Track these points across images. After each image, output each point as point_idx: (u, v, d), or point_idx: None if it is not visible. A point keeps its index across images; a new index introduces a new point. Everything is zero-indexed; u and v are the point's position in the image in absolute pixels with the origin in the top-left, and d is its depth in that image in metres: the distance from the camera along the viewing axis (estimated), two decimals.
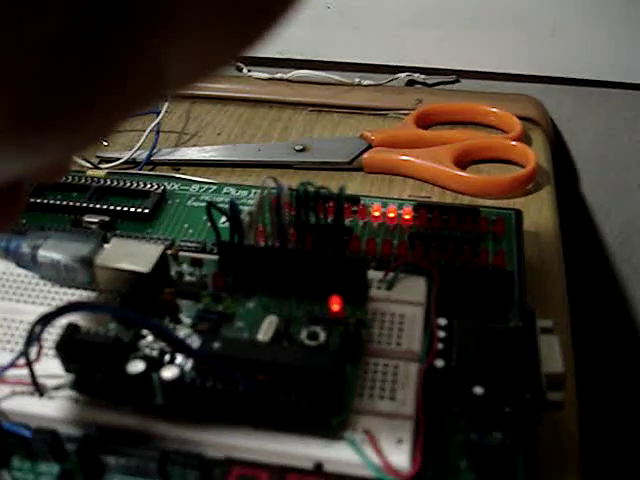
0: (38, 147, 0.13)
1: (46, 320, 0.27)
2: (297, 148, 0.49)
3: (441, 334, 0.31)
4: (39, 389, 0.29)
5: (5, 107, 0.12)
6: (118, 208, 0.40)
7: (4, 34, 0.11)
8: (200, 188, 0.43)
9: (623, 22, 0.54)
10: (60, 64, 0.11)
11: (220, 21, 0.13)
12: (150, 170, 0.48)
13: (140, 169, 0.47)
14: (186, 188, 0.43)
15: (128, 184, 0.42)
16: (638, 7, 0.53)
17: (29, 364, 0.29)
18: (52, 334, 0.30)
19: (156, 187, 0.42)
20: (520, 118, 0.52)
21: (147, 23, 0.12)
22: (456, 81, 0.58)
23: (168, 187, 0.42)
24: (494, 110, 0.52)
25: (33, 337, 0.28)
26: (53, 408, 0.29)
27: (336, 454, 0.27)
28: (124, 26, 0.12)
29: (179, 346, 0.28)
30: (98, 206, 0.40)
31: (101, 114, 0.13)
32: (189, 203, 0.41)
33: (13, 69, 0.11)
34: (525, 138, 0.51)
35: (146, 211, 0.40)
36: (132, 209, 0.40)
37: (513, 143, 0.49)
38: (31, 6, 0.10)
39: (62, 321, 0.28)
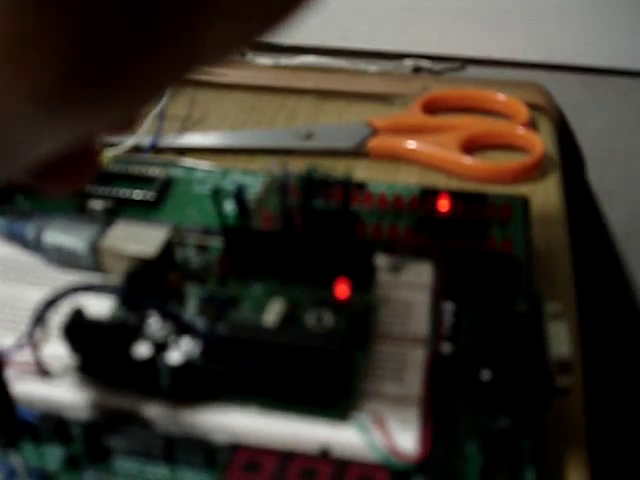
0: (90, 108, 0.13)
1: (51, 302, 0.27)
2: (302, 134, 0.49)
3: (448, 319, 0.31)
4: (44, 372, 0.29)
5: (61, 66, 0.12)
6: (123, 194, 0.40)
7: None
8: (205, 174, 0.43)
9: (630, 9, 0.53)
10: (114, 31, 0.12)
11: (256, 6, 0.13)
12: (154, 154, 0.48)
13: (145, 154, 0.47)
14: (191, 174, 0.43)
15: (133, 170, 0.41)
16: None
17: (34, 347, 0.29)
18: (58, 317, 0.30)
19: (161, 173, 0.41)
20: (527, 105, 0.51)
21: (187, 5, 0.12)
22: (462, 68, 0.58)
23: (173, 173, 0.42)
24: (500, 97, 0.52)
25: (38, 319, 0.28)
26: (58, 391, 0.29)
27: (343, 437, 0.27)
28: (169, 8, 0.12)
29: (187, 329, 0.28)
30: (102, 191, 0.40)
31: (145, 80, 0.13)
32: (194, 189, 0.41)
33: (71, 30, 0.11)
34: (532, 125, 0.50)
35: (151, 197, 0.39)
36: (137, 195, 0.40)
37: (520, 130, 0.49)
38: None
39: (67, 305, 0.28)
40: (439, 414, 0.28)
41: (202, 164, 0.44)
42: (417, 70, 0.58)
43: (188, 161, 0.44)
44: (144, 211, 0.39)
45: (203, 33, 0.13)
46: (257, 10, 0.13)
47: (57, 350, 0.29)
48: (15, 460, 0.27)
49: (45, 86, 0.12)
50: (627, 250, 0.64)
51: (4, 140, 0.13)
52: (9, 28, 0.11)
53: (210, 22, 0.13)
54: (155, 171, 0.41)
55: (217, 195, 0.34)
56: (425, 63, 0.58)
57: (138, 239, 0.32)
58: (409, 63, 0.57)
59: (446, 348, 0.30)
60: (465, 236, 0.37)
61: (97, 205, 0.39)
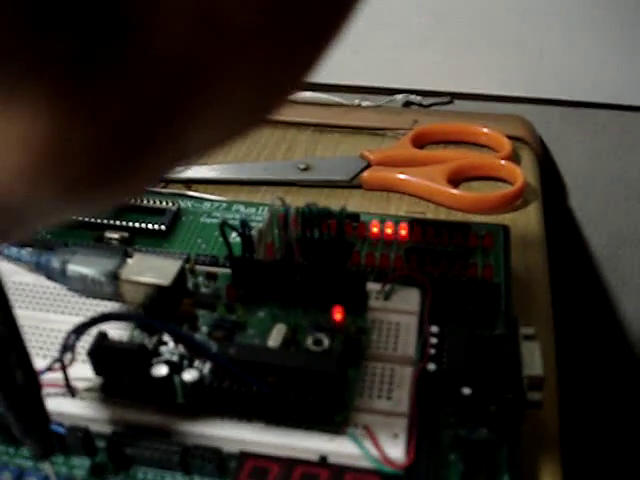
0: (96, 197, 0.16)
1: (80, 329, 0.31)
2: (301, 167, 0.52)
3: (433, 340, 0.34)
4: (72, 391, 0.32)
5: (82, 165, 0.15)
6: (137, 225, 0.43)
7: (85, 116, 0.14)
8: (212, 205, 0.46)
9: (608, 46, 0.56)
10: (119, 141, 0.15)
11: (239, 110, 0.16)
12: (163, 187, 0.51)
13: (154, 186, 0.50)
14: (199, 205, 0.46)
15: (145, 201, 0.45)
16: (621, 32, 0.56)
17: (64, 369, 0.32)
18: (82, 341, 0.33)
19: (171, 204, 0.45)
20: (510, 137, 0.55)
21: (181, 117, 0.15)
22: (450, 102, 0.61)
23: (182, 204, 0.46)
24: (485, 131, 0.55)
25: (68, 345, 0.31)
26: (85, 408, 0.32)
27: (339, 447, 0.30)
28: (169, 117, 0.15)
29: (200, 351, 0.32)
30: (118, 223, 0.43)
31: (141, 175, 0.16)
32: (202, 220, 0.45)
33: (93, 139, 0.14)
34: (514, 157, 0.54)
35: (163, 227, 0.43)
36: (150, 225, 0.43)
37: (502, 162, 0.52)
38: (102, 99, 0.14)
39: (93, 330, 0.32)
40: (424, 426, 0.31)
41: (209, 195, 0.47)
42: (408, 104, 0.61)
43: (196, 193, 0.48)
44: (156, 241, 0.43)
45: (190, 142, 0.16)
46: (236, 117, 0.17)
47: (83, 371, 0.33)
48: (48, 470, 0.30)
49: (66, 181, 0.15)
50: (608, 273, 0.67)
51: (25, 217, 0.17)
52: (43, 141, 0.14)
53: (191, 134, 0.16)
54: (166, 203, 0.45)
55: (224, 227, 0.37)
56: (415, 97, 0.61)
57: (154, 270, 0.35)
58: (400, 98, 0.61)
59: (431, 367, 0.33)
60: (450, 264, 0.40)
61: (113, 235, 0.42)
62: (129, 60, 0.14)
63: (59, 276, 0.37)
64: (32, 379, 0.26)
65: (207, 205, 0.46)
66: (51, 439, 0.28)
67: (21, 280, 0.38)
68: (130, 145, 0.15)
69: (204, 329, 0.35)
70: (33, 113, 0.14)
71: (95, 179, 0.15)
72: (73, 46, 0.13)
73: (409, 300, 0.36)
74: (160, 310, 0.35)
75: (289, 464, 0.30)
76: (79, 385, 0.32)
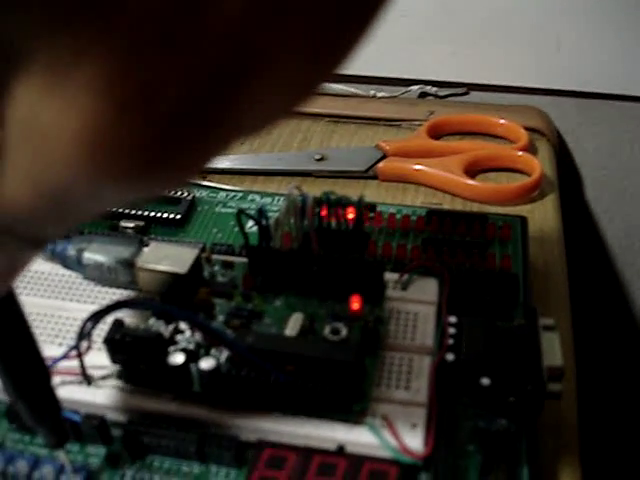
0: (153, 184, 0.16)
1: (97, 317, 0.30)
2: (316, 157, 0.52)
3: (451, 330, 0.34)
4: (88, 379, 0.32)
5: (139, 151, 0.15)
6: (152, 214, 0.43)
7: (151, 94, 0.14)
8: (227, 195, 0.46)
9: (625, 37, 0.56)
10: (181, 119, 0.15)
11: (289, 88, 0.16)
12: None
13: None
14: (214, 195, 0.46)
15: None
16: (638, 23, 0.55)
17: (80, 356, 0.32)
18: (98, 329, 0.33)
19: (186, 194, 0.45)
20: (527, 129, 0.54)
21: (239, 91, 0.15)
22: (466, 93, 0.61)
23: (197, 194, 0.46)
24: (502, 122, 0.55)
25: (84, 332, 0.31)
26: (101, 396, 0.32)
27: (357, 437, 0.30)
28: (223, 99, 0.15)
29: (217, 338, 0.31)
30: (133, 212, 0.43)
31: (199, 154, 0.16)
32: (217, 209, 0.44)
33: (150, 129, 0.15)
34: (531, 148, 0.53)
35: (178, 217, 0.43)
36: (165, 215, 0.43)
37: (519, 153, 0.51)
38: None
39: (108, 318, 0.31)
40: (443, 416, 0.31)
41: (224, 186, 0.47)
42: (423, 95, 0.61)
43: (211, 183, 0.47)
44: (171, 230, 0.43)
45: (245, 116, 0.16)
46: (287, 97, 0.17)
47: (99, 358, 0.32)
48: (63, 458, 0.30)
49: (123, 169, 0.15)
50: (623, 264, 0.67)
51: (87, 203, 0.17)
52: (99, 128, 0.14)
53: (247, 112, 0.16)
54: (181, 192, 0.45)
55: (241, 216, 0.37)
56: (431, 89, 0.61)
57: (170, 258, 0.35)
58: (416, 89, 0.60)
59: (449, 357, 0.32)
60: (468, 254, 0.40)
61: (128, 224, 0.42)
62: (185, 40, 0.14)
63: (75, 264, 0.37)
64: (41, 368, 0.26)
65: (222, 195, 0.46)
66: (64, 428, 0.28)
67: (37, 269, 0.38)
68: (187, 124, 0.15)
69: (220, 318, 0.35)
70: (85, 99, 0.14)
71: (152, 164, 0.15)
72: (130, 23, 0.13)
73: (427, 290, 0.36)
74: (176, 298, 0.34)
75: (307, 453, 0.29)
76: (95, 373, 0.32)
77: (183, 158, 0.16)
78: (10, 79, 0.14)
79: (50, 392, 0.27)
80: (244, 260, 0.37)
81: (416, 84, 0.60)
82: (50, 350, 0.33)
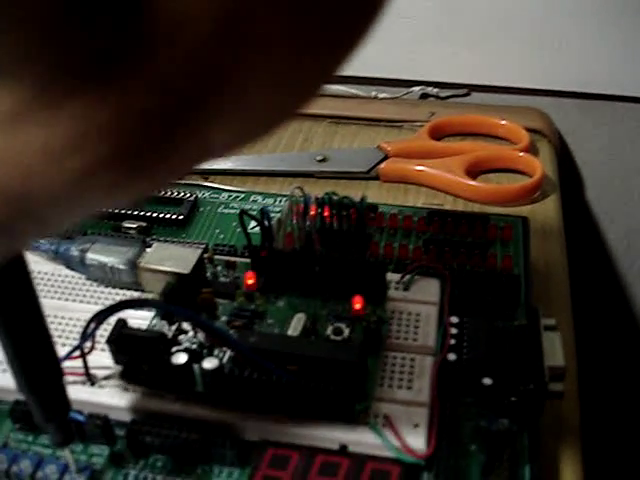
0: (123, 190, 0.16)
1: (100, 317, 0.30)
2: (318, 158, 0.52)
3: (453, 331, 0.34)
4: (91, 379, 0.32)
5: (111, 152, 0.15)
6: (155, 214, 0.43)
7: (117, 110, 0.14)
8: (229, 196, 0.46)
9: (625, 38, 0.56)
10: (148, 133, 0.15)
11: (258, 110, 0.16)
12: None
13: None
14: (216, 196, 0.46)
15: (162, 192, 0.45)
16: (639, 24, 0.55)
17: (83, 356, 0.32)
18: (102, 329, 0.33)
19: (189, 195, 0.45)
20: (528, 130, 0.54)
21: (203, 114, 0.15)
22: (467, 94, 0.61)
23: (199, 195, 0.46)
24: (503, 123, 0.55)
25: (88, 333, 0.31)
26: (104, 396, 0.32)
27: (359, 437, 0.30)
28: (187, 118, 0.15)
29: (220, 338, 0.31)
30: (136, 212, 0.43)
31: (166, 169, 0.16)
32: (219, 210, 0.45)
33: (120, 131, 0.15)
34: (532, 149, 0.53)
35: (181, 217, 0.43)
36: (168, 215, 0.43)
37: (521, 154, 0.52)
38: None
39: (111, 318, 0.32)
40: (445, 416, 0.31)
41: (226, 187, 0.47)
42: (425, 96, 0.61)
43: (213, 183, 0.48)
44: (174, 230, 0.43)
45: (210, 138, 0.16)
46: (257, 118, 0.17)
47: (102, 358, 0.33)
48: (67, 457, 0.30)
49: (93, 172, 0.15)
50: (624, 265, 0.67)
51: (73, 207, 0.17)
52: (71, 127, 0.14)
53: (215, 133, 0.16)
54: (183, 193, 0.45)
55: (243, 217, 0.37)
56: (432, 90, 0.61)
57: (173, 258, 0.35)
58: (417, 90, 0.60)
59: (451, 357, 0.32)
60: (469, 255, 0.40)
61: (131, 225, 0.42)
62: (157, 54, 0.14)
63: (78, 265, 0.37)
64: (55, 366, 0.26)
65: (224, 195, 0.46)
66: (70, 427, 0.28)
67: (40, 269, 0.38)
68: (155, 137, 0.15)
69: (223, 318, 0.35)
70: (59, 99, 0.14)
71: (121, 167, 0.15)
72: (105, 38, 0.13)
73: (429, 291, 0.36)
74: (179, 299, 0.35)
75: (309, 453, 0.30)
76: (98, 373, 0.33)
77: (149, 167, 0.16)
78: None
79: (62, 390, 0.27)
80: (246, 260, 0.37)
81: (417, 85, 0.61)
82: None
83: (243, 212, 0.36)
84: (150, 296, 0.36)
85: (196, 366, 0.32)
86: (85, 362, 0.32)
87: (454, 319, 0.34)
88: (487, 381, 0.31)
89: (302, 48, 0.15)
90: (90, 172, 0.15)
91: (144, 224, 0.42)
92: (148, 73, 0.14)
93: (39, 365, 0.25)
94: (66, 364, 0.32)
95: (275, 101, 0.16)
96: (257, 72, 0.15)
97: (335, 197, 0.38)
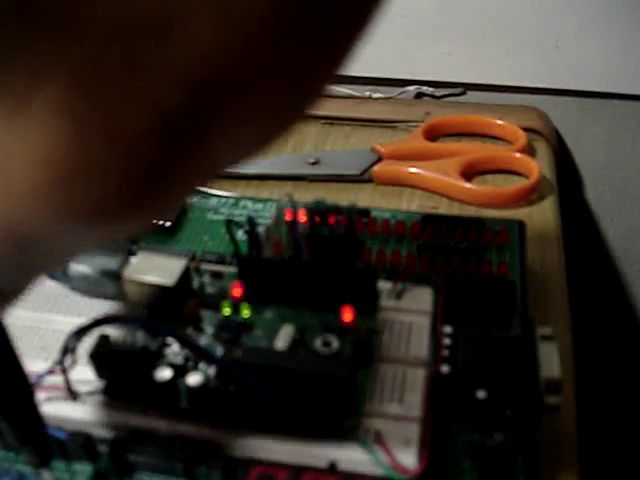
0: (121, 220, 0.16)
1: (81, 332, 0.30)
2: (310, 161, 0.51)
3: (447, 341, 0.33)
4: (73, 395, 0.31)
5: (104, 185, 0.14)
6: None
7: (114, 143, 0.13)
8: (219, 201, 0.45)
9: (624, 35, 0.55)
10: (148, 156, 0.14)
11: (265, 120, 0.15)
12: None
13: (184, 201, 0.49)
14: (205, 201, 0.45)
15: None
16: (638, 21, 0.54)
17: (64, 372, 0.31)
18: (84, 343, 0.32)
19: None
20: (525, 129, 0.53)
21: (206, 131, 0.14)
22: (463, 93, 0.60)
23: (188, 200, 0.45)
24: (499, 122, 0.54)
25: (68, 347, 0.30)
26: (86, 412, 0.31)
27: (349, 454, 0.29)
28: (191, 130, 0.14)
29: (204, 355, 0.31)
30: None
31: (167, 193, 0.15)
32: (209, 216, 0.44)
33: (115, 157, 0.14)
34: (529, 149, 0.52)
35: (168, 224, 0.42)
36: (155, 222, 0.42)
37: (517, 155, 0.51)
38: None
39: (94, 332, 0.31)
40: (437, 431, 0.30)
41: (216, 191, 0.46)
42: (420, 96, 0.60)
43: (202, 188, 0.47)
44: (161, 237, 0.42)
45: (218, 152, 0.15)
46: (260, 134, 0.16)
47: (85, 374, 0.32)
48: (47, 477, 0.29)
49: (87, 201, 0.14)
50: (625, 267, 0.66)
51: (52, 247, 0.16)
52: (60, 158, 0.13)
53: (220, 150, 0.15)
54: None
55: (230, 225, 0.36)
56: (427, 89, 0.60)
57: (158, 269, 0.34)
58: (412, 89, 0.59)
59: (444, 369, 0.32)
60: (464, 261, 0.39)
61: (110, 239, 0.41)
62: (148, 65, 0.13)
63: (61, 276, 0.36)
64: (25, 387, 0.25)
65: (214, 201, 0.45)
66: (47, 447, 0.27)
67: None
68: (151, 159, 0.14)
69: (209, 330, 0.34)
70: (45, 126, 0.13)
71: (120, 198, 0.15)
72: (82, 46, 0.12)
73: (421, 299, 0.35)
74: (164, 311, 0.34)
75: (297, 471, 0.29)
76: (80, 388, 0.32)
77: (151, 192, 0.15)
78: None
79: (34, 411, 0.26)
80: (234, 270, 0.36)
81: (412, 84, 0.60)
82: (36, 365, 0.32)
83: (229, 221, 0.35)
84: (134, 307, 0.35)
85: (181, 382, 0.31)
86: (66, 377, 0.31)
87: (447, 329, 0.33)
88: (481, 394, 0.30)
89: (302, 55, 0.15)
90: (87, 209, 0.15)
91: None
92: (137, 85, 0.13)
93: (7, 386, 0.25)
94: (48, 379, 0.31)
95: (276, 112, 0.16)
96: (257, 79, 0.14)
97: (324, 204, 0.37)
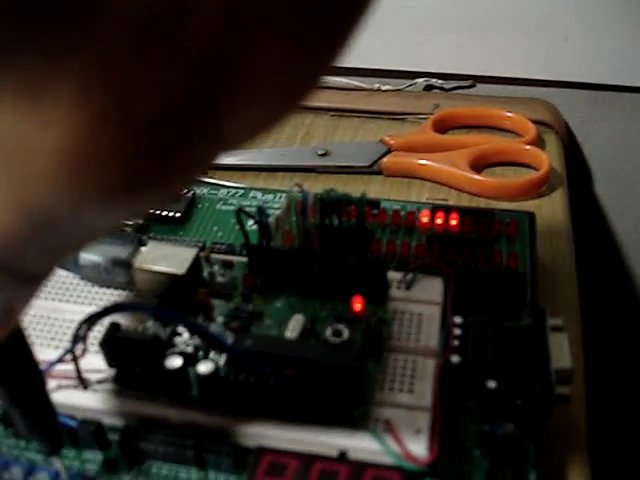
0: (138, 201, 0.16)
1: (92, 320, 0.30)
2: (319, 152, 0.51)
3: (457, 331, 0.33)
4: (84, 383, 0.31)
5: (119, 168, 0.14)
6: (151, 211, 0.42)
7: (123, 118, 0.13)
8: (228, 192, 0.45)
9: (633, 28, 0.55)
10: (160, 137, 0.14)
11: (272, 99, 0.15)
12: None
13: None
14: (215, 192, 0.45)
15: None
16: None
17: (75, 360, 0.31)
18: (94, 331, 0.32)
19: (187, 191, 0.44)
20: (534, 122, 0.53)
21: (216, 107, 0.14)
22: (472, 86, 0.60)
23: (198, 191, 0.45)
24: (509, 115, 0.54)
25: (79, 335, 0.30)
26: (97, 400, 0.31)
27: (359, 443, 0.29)
28: (203, 111, 0.14)
29: (215, 343, 0.31)
30: None
31: (183, 168, 0.16)
32: (218, 207, 0.44)
33: (128, 141, 0.14)
34: (539, 141, 0.52)
35: (178, 214, 0.42)
36: (165, 212, 0.42)
37: (527, 147, 0.50)
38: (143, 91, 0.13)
39: (105, 320, 0.31)
40: (448, 421, 0.30)
41: (225, 182, 0.46)
42: (429, 88, 0.60)
43: (212, 179, 0.47)
44: (171, 228, 0.42)
45: (226, 130, 0.15)
46: (272, 107, 0.16)
47: (95, 362, 0.32)
48: (58, 465, 0.29)
49: (106, 184, 0.15)
50: (634, 260, 0.66)
51: (74, 227, 0.16)
52: (78, 144, 0.14)
53: (230, 125, 0.15)
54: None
55: (240, 215, 0.36)
56: (436, 81, 0.60)
57: (168, 258, 0.34)
58: (421, 81, 0.59)
59: (455, 359, 0.31)
60: (473, 252, 0.39)
61: (128, 222, 0.41)
62: (158, 50, 0.13)
63: (71, 265, 0.36)
64: (36, 376, 0.25)
65: (223, 192, 0.45)
66: (59, 435, 0.27)
67: None
68: (165, 141, 0.14)
69: (220, 319, 0.34)
70: (63, 113, 0.13)
71: (136, 179, 0.15)
72: (97, 32, 0.12)
73: (431, 290, 0.35)
74: (174, 300, 0.34)
75: (307, 459, 0.29)
76: (91, 377, 0.32)
77: (167, 172, 0.15)
78: None
79: (45, 400, 0.26)
80: (244, 260, 0.36)
81: (421, 77, 0.59)
82: (46, 353, 0.32)
83: (240, 210, 0.35)
84: (145, 296, 0.35)
85: (191, 370, 0.31)
86: (77, 366, 0.31)
87: (457, 319, 0.33)
88: (491, 384, 0.30)
89: (309, 30, 0.15)
90: (108, 191, 0.15)
91: (141, 222, 0.41)
92: (149, 70, 0.13)
93: (19, 376, 0.25)
94: (58, 367, 0.31)
95: (285, 88, 0.16)
96: (267, 59, 0.14)
97: (334, 194, 0.37)
